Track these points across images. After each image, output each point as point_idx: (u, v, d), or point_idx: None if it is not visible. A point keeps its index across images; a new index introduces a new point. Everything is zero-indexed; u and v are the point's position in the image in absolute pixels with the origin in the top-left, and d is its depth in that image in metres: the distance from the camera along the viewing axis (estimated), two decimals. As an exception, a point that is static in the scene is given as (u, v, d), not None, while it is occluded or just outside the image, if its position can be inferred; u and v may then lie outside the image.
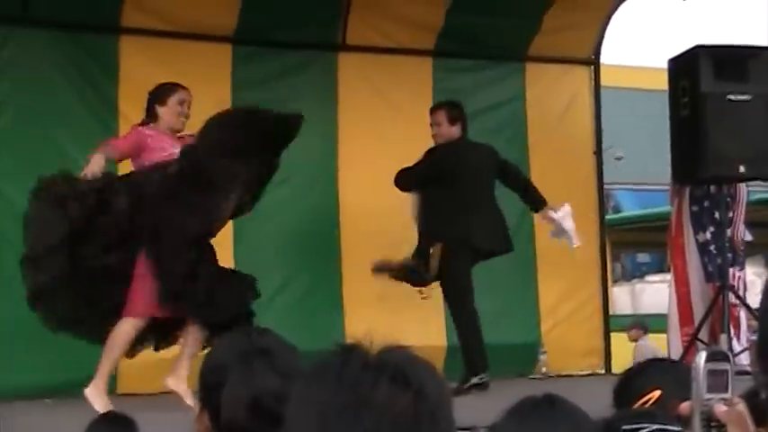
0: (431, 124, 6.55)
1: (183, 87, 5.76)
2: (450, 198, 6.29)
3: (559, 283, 7.77)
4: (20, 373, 6.22)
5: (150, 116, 5.72)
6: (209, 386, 2.14)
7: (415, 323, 6.87)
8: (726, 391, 1.31)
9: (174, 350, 6.20)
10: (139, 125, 5.70)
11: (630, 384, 2.31)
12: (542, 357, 7.51)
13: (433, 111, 6.63)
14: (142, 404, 5.16)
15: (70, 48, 6.66)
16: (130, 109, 6.77)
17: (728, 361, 1.32)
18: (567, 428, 1.72)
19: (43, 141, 6.54)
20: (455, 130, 6.50)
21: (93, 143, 6.66)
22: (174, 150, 5.51)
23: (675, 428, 1.56)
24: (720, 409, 1.29)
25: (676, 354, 6.78)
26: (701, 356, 1.32)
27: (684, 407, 1.33)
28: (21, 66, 6.54)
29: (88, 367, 6.22)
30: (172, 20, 6.90)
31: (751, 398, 1.28)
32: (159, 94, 5.73)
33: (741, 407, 1.29)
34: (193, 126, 6.06)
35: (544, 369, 7.47)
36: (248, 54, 7.18)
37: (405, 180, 6.51)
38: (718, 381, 1.31)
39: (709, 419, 1.30)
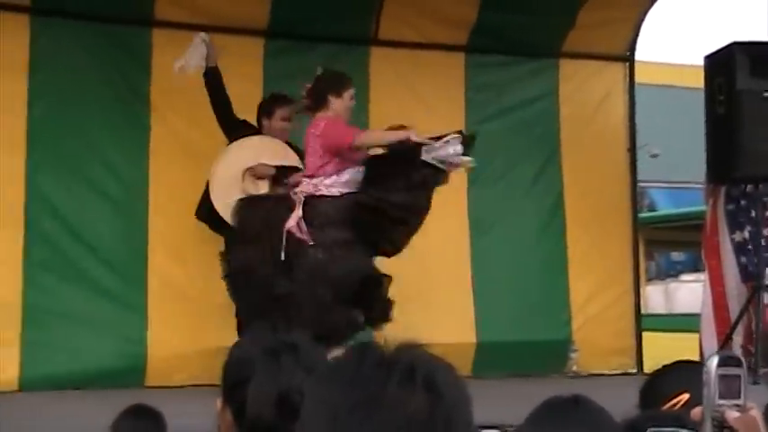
0: (282, 118, 6.10)
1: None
2: None
3: (591, 281, 7.70)
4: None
5: (320, 103, 5.42)
6: (234, 382, 2.11)
7: (446, 320, 6.84)
8: (738, 397, 1.27)
9: (200, 343, 6.21)
10: (311, 109, 5.43)
11: (658, 385, 2.26)
12: (573, 356, 7.44)
13: (283, 105, 6.07)
14: (170, 396, 5.16)
15: (104, 40, 6.67)
16: (162, 101, 6.79)
17: (741, 366, 1.28)
18: (588, 430, 1.69)
19: (75, 133, 6.56)
20: None
21: (125, 135, 6.71)
22: None
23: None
24: (732, 415, 1.25)
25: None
26: (713, 361, 1.28)
27: (696, 412, 1.29)
28: (54, 58, 6.56)
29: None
30: (204, 13, 6.90)
31: None
32: (335, 84, 5.45)
33: (755, 413, 1.25)
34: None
35: (575, 368, 7.41)
36: (280, 48, 7.16)
37: None
38: (730, 386, 1.27)
39: (722, 425, 1.26)
